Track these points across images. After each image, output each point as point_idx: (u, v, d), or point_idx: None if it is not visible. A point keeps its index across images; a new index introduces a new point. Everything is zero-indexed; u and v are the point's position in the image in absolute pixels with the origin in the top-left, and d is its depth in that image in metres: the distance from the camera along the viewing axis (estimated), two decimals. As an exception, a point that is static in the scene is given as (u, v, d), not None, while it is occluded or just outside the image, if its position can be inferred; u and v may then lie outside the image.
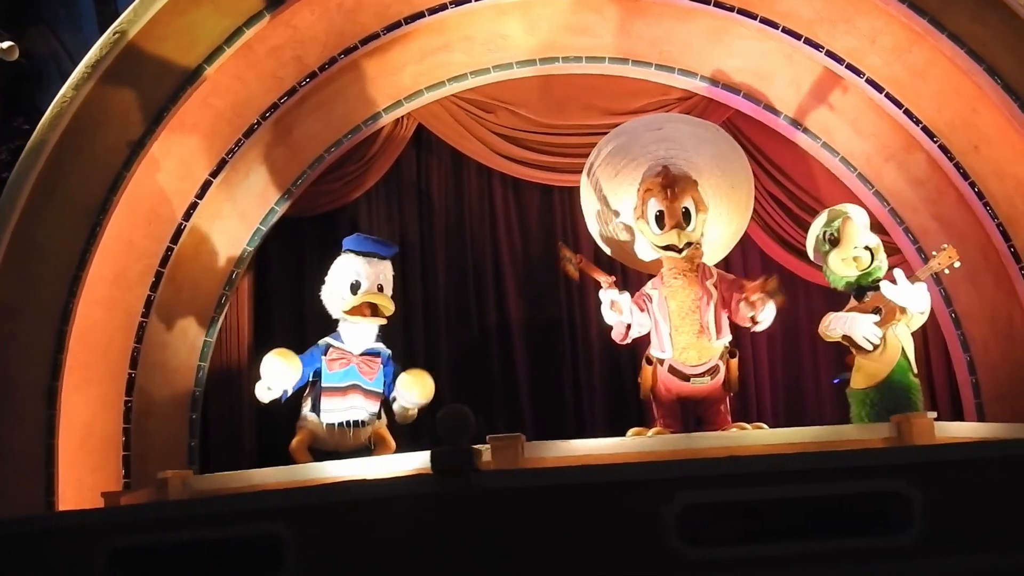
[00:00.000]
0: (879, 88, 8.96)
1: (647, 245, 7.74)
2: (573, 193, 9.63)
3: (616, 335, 7.62)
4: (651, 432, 7.29)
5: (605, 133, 9.31)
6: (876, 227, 9.40)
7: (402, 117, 9.46)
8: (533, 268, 9.51)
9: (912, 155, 9.20)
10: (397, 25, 8.72)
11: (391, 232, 9.48)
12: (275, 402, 7.73)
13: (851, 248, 7.92)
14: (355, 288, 7.82)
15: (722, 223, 7.92)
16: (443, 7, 8.72)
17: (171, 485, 6.62)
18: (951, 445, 6.08)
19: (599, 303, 8.98)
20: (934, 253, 8.05)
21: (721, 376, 7.51)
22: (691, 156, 7.71)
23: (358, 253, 7.96)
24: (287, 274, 9.30)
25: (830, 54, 8.93)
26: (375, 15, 8.64)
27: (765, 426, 7.47)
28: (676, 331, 7.47)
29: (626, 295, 7.51)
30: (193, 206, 8.47)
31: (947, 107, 8.85)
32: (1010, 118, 8.49)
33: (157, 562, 5.24)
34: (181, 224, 8.44)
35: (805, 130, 9.47)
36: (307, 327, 9.10)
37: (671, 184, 7.50)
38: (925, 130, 8.96)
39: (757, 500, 5.17)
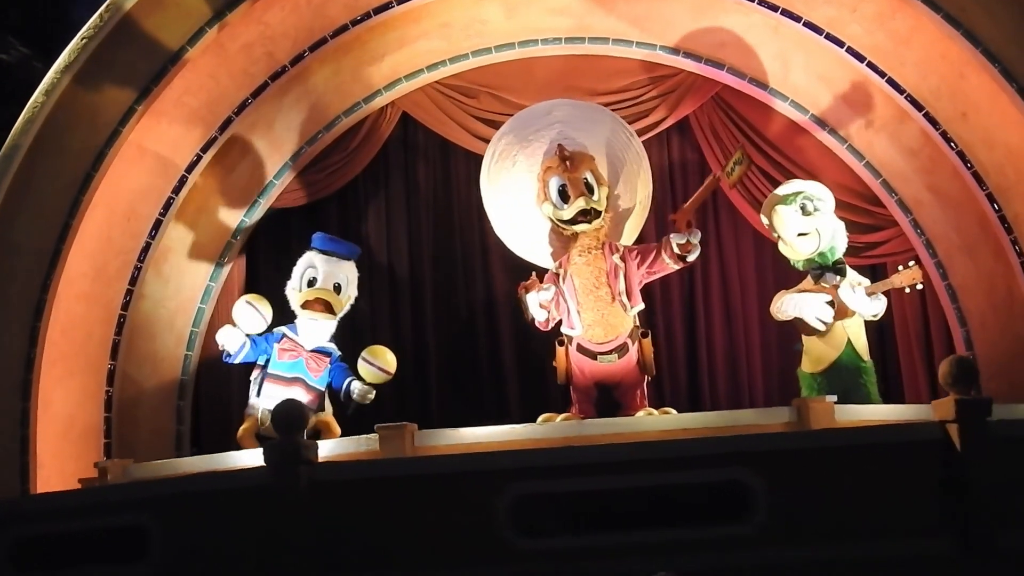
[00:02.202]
0: (860, 58, 8.86)
1: (552, 236, 8.04)
2: (562, 176, 9.79)
3: (540, 325, 7.82)
4: (560, 418, 7.38)
5: (592, 114, 9.56)
6: (871, 199, 9.38)
7: (386, 106, 9.74)
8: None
9: (904, 125, 9.09)
10: (366, 17, 8.98)
11: (378, 219, 9.82)
12: (226, 358, 8.11)
13: (785, 237, 8.03)
14: (312, 284, 8.13)
15: (626, 199, 8.10)
16: (412, -5, 8.92)
17: (110, 472, 7.01)
18: (794, 433, 6.07)
19: None
20: (900, 268, 8.03)
21: (631, 355, 7.59)
22: (582, 135, 7.99)
23: (320, 251, 8.32)
24: (276, 264, 9.57)
25: (809, 24, 8.87)
26: (344, 7, 8.91)
27: (673, 411, 7.48)
28: (582, 308, 7.62)
29: (552, 289, 7.71)
30: (170, 202, 8.84)
31: (932, 74, 8.73)
32: (999, 83, 8.35)
33: (38, 551, 5.63)
34: (159, 219, 8.80)
35: (793, 103, 9.38)
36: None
37: (569, 157, 7.76)
38: (909, 99, 8.86)
39: (592, 490, 5.29)
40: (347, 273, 8.35)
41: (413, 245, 9.81)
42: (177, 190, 8.87)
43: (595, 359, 7.61)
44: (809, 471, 5.41)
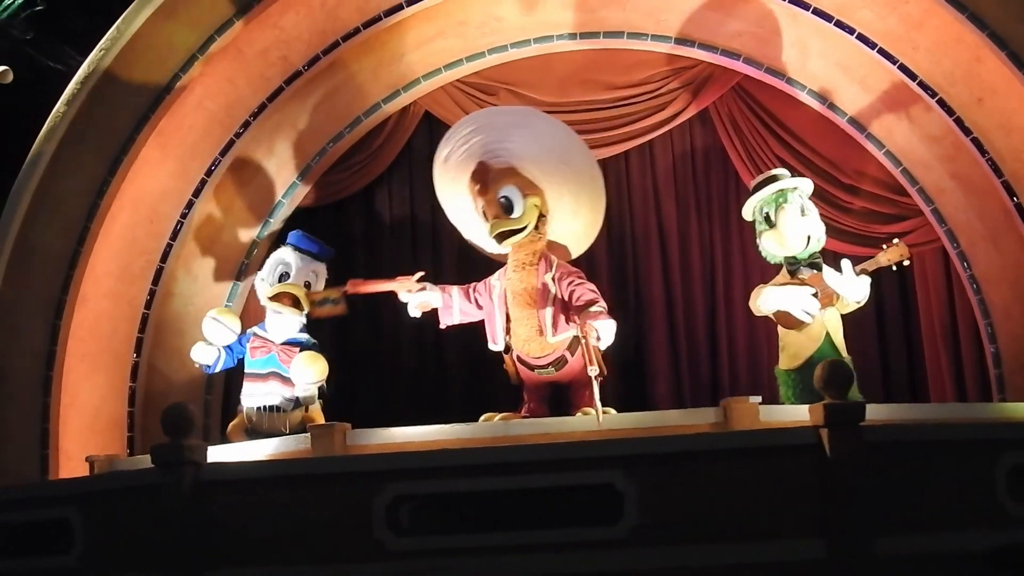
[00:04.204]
0: (871, 44, 8.75)
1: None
2: (582, 170, 9.92)
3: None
4: (498, 417, 7.51)
5: (606, 108, 9.64)
6: (895, 188, 9.24)
7: (410, 105, 9.99)
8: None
9: (927, 111, 8.96)
10: (377, 19, 9.25)
11: (403, 217, 10.08)
12: (206, 369, 8.55)
13: (788, 236, 7.89)
14: (283, 278, 8.46)
15: (569, 198, 7.91)
16: (421, -3, 9.17)
17: (98, 465, 7.47)
18: (666, 438, 6.07)
19: (614, 282, 9.71)
20: (884, 247, 7.98)
21: (572, 364, 7.61)
22: (506, 143, 7.73)
23: (295, 248, 8.61)
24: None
25: (818, 12, 8.79)
26: (356, 10, 9.22)
27: (613, 411, 7.50)
28: (516, 322, 7.71)
29: (426, 293, 7.98)
30: (191, 203, 9.28)
31: (946, 58, 8.62)
32: (1010, 68, 8.21)
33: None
34: (180, 221, 9.25)
35: (811, 91, 9.31)
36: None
37: (482, 179, 7.70)
38: (922, 85, 8.72)
39: (468, 491, 5.47)
40: (318, 272, 8.64)
41: (438, 242, 10.03)
42: (197, 192, 9.31)
43: (534, 371, 7.74)
44: (682, 475, 5.46)
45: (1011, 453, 5.53)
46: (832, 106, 9.29)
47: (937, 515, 5.37)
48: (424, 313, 8.13)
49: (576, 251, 8.32)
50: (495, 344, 7.87)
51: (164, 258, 9.27)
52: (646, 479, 5.38)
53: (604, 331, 7.28)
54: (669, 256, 9.78)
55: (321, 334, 9.79)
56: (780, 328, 7.93)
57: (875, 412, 5.74)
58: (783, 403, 7.73)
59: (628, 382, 9.66)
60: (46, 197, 8.65)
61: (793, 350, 7.78)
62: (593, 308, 7.42)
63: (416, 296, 7.98)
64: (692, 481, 5.42)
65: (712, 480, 5.42)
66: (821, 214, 9.06)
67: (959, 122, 8.62)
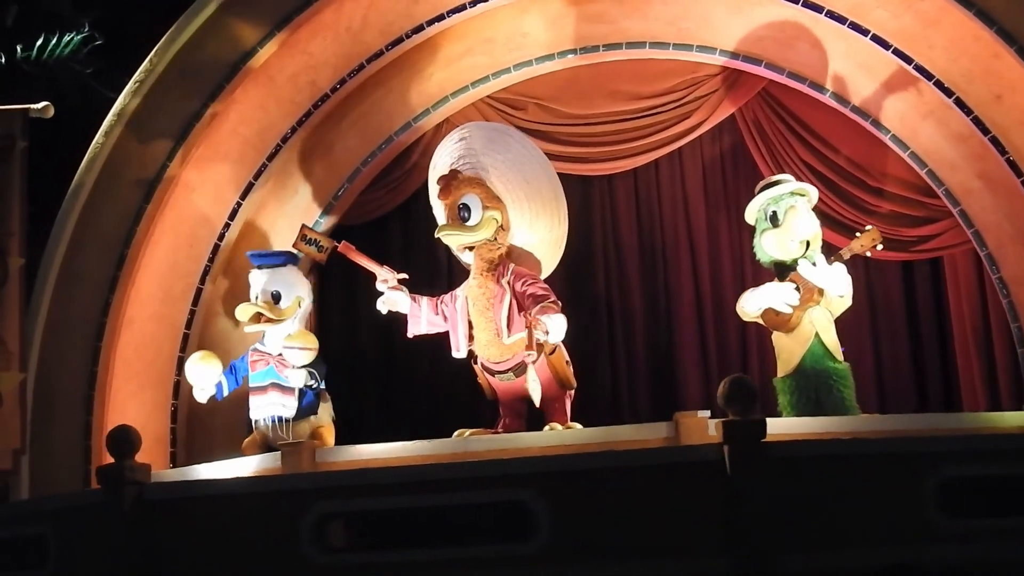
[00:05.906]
0: (886, 45, 8.67)
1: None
2: (613, 181, 10.09)
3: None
4: (468, 433, 7.64)
5: (633, 119, 9.73)
6: (924, 190, 9.09)
7: (442, 123, 10.21)
8: (576, 258, 9.74)
9: (953, 109, 8.79)
10: (399, 41, 9.53)
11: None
12: (213, 400, 8.84)
13: (790, 237, 7.88)
14: (257, 298, 8.77)
15: (528, 215, 8.05)
16: (440, 17, 9.47)
17: (115, 480, 7.88)
18: (576, 455, 6.17)
19: (645, 291, 9.78)
20: (857, 234, 8.03)
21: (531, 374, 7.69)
22: (480, 156, 7.96)
23: (257, 267, 8.89)
24: (344, 280, 10.23)
25: (831, 14, 8.79)
26: (379, 33, 9.54)
27: (578, 426, 7.57)
28: (477, 328, 7.92)
29: (397, 293, 8.22)
30: (227, 227, 9.65)
31: (963, 56, 8.56)
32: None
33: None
34: (217, 244, 9.63)
35: (833, 94, 9.25)
36: (361, 329, 10.17)
37: (446, 184, 7.95)
38: (938, 84, 8.61)
39: (388, 509, 5.68)
40: (285, 278, 8.80)
41: (473, 256, 10.22)
42: (233, 215, 9.68)
43: (494, 376, 7.91)
44: (593, 492, 5.58)
45: (943, 466, 5.46)
46: (856, 108, 9.24)
47: (851, 532, 5.37)
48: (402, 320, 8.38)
49: (546, 267, 8.41)
50: (457, 352, 8.08)
51: (203, 279, 9.67)
52: (558, 497, 5.52)
53: (553, 325, 7.44)
54: (699, 262, 9.90)
55: (359, 344, 10.31)
56: (773, 336, 7.96)
57: (799, 426, 5.73)
58: (781, 413, 7.73)
59: (659, 386, 9.80)
60: (87, 225, 9.17)
61: (785, 356, 7.86)
62: (544, 303, 7.60)
63: (389, 292, 8.24)
64: (603, 498, 5.53)
65: (622, 497, 5.52)
66: (849, 218, 9.11)
67: (977, 121, 8.49)
